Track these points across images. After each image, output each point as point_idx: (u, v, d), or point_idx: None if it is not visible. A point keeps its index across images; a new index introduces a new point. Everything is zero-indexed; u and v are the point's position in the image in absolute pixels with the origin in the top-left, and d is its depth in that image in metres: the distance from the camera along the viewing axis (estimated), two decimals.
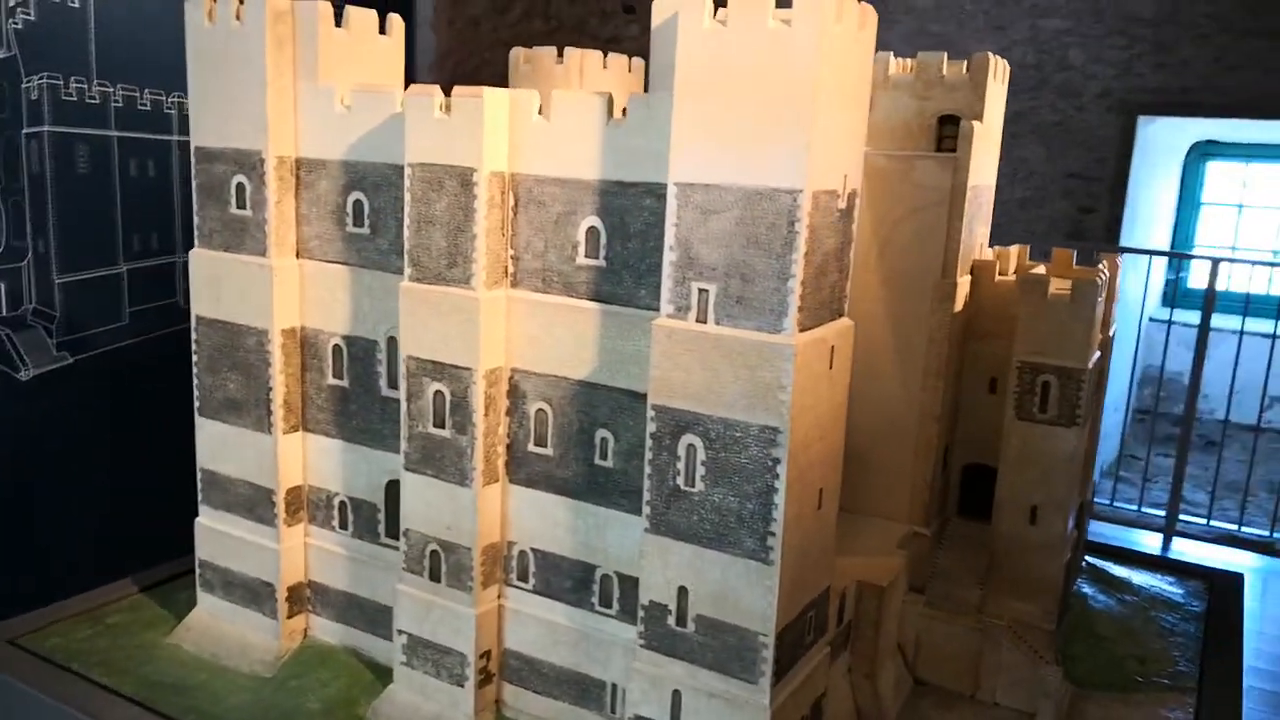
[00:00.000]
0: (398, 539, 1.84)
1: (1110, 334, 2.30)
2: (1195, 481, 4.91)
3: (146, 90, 2.98)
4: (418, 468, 1.76)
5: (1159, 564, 2.67)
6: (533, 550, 1.76)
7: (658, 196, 1.56)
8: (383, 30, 1.90)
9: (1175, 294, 5.68)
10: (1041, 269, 2.14)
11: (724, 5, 1.43)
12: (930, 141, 2.10)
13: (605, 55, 2.39)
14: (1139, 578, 2.53)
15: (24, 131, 2.70)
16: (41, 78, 2.73)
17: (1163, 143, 5.76)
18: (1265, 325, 4.71)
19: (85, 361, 2.97)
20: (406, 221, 1.70)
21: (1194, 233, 6.20)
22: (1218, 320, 4.35)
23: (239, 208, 1.87)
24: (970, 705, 2.00)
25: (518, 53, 2.37)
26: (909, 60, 2.11)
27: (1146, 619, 2.31)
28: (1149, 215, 5.94)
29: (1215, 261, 4.42)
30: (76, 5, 2.77)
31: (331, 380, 1.90)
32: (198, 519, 2.05)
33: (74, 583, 2.21)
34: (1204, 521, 4.58)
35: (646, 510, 1.56)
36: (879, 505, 2.16)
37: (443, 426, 1.72)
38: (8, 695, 1.89)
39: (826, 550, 1.66)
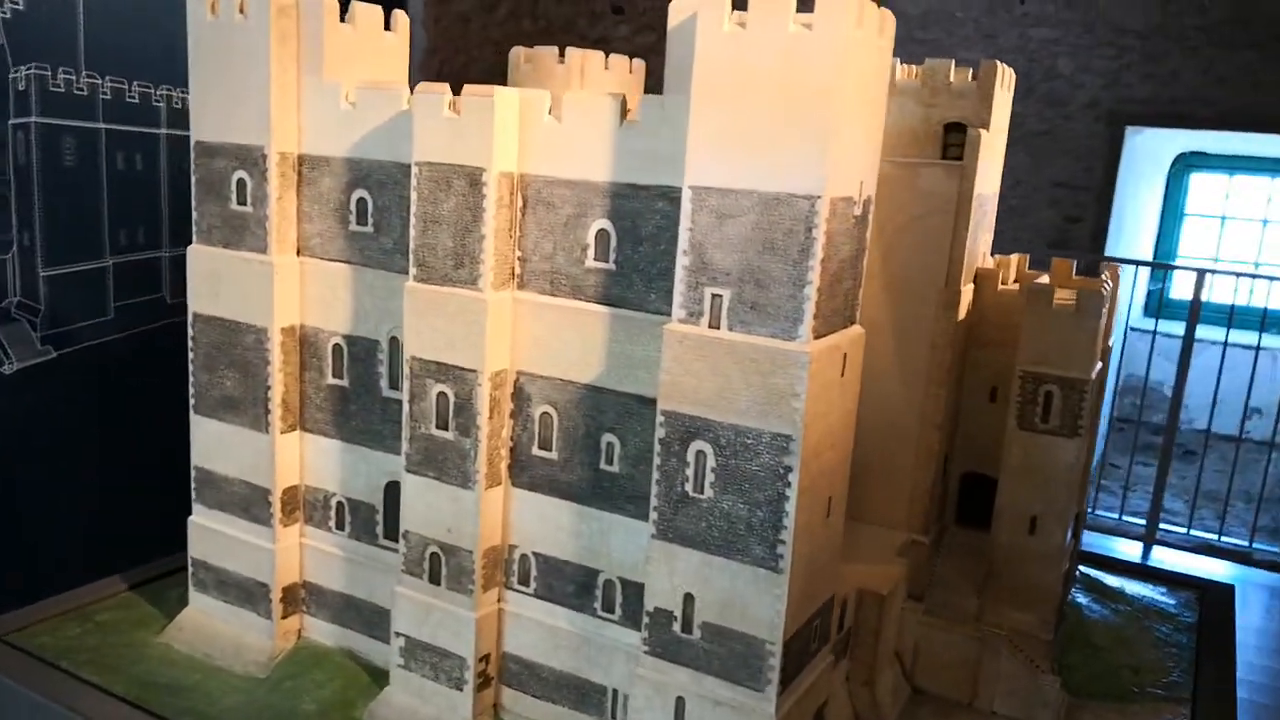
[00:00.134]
0: (396, 541, 1.81)
1: (1109, 344, 2.31)
2: (1173, 491, 4.95)
3: (135, 83, 2.94)
4: (419, 469, 1.73)
5: (1150, 574, 2.68)
6: (534, 554, 1.74)
7: (671, 200, 1.54)
8: (387, 26, 1.87)
9: (1160, 305, 5.72)
10: (1045, 278, 2.14)
11: (743, 8, 1.42)
12: (936, 149, 2.09)
13: (607, 56, 2.37)
14: (1131, 587, 2.53)
15: (10, 122, 2.66)
16: (29, 68, 2.69)
17: (1148, 153, 5.80)
18: (1242, 336, 4.74)
19: (70, 356, 2.92)
20: (412, 221, 1.67)
21: (1177, 243, 6.24)
22: (1199, 331, 4.38)
23: (239, 204, 1.84)
24: (968, 714, 2.00)
25: (518, 52, 2.34)
26: (915, 67, 2.10)
27: (1140, 629, 2.32)
28: (1134, 225, 5.98)
29: (1201, 273, 4.45)
30: None
31: (331, 380, 1.88)
32: (191, 517, 2.02)
33: (62, 579, 2.18)
34: (1184, 531, 4.62)
35: (654, 516, 1.55)
36: (877, 512, 2.15)
37: (446, 428, 1.70)
38: None
39: (833, 559, 1.66)
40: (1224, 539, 4.54)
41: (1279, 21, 4.78)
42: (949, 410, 2.15)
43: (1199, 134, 5.66)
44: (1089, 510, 4.63)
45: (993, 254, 2.34)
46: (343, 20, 1.80)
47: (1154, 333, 4.79)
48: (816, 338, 1.44)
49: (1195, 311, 4.37)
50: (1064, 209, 5.64)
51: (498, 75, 1.59)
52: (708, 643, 1.54)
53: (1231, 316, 4.72)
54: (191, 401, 1.97)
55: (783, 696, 1.52)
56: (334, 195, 1.81)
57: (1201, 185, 6.18)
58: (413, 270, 1.69)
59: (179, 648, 1.99)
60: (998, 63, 2.08)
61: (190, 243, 1.93)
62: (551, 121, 1.62)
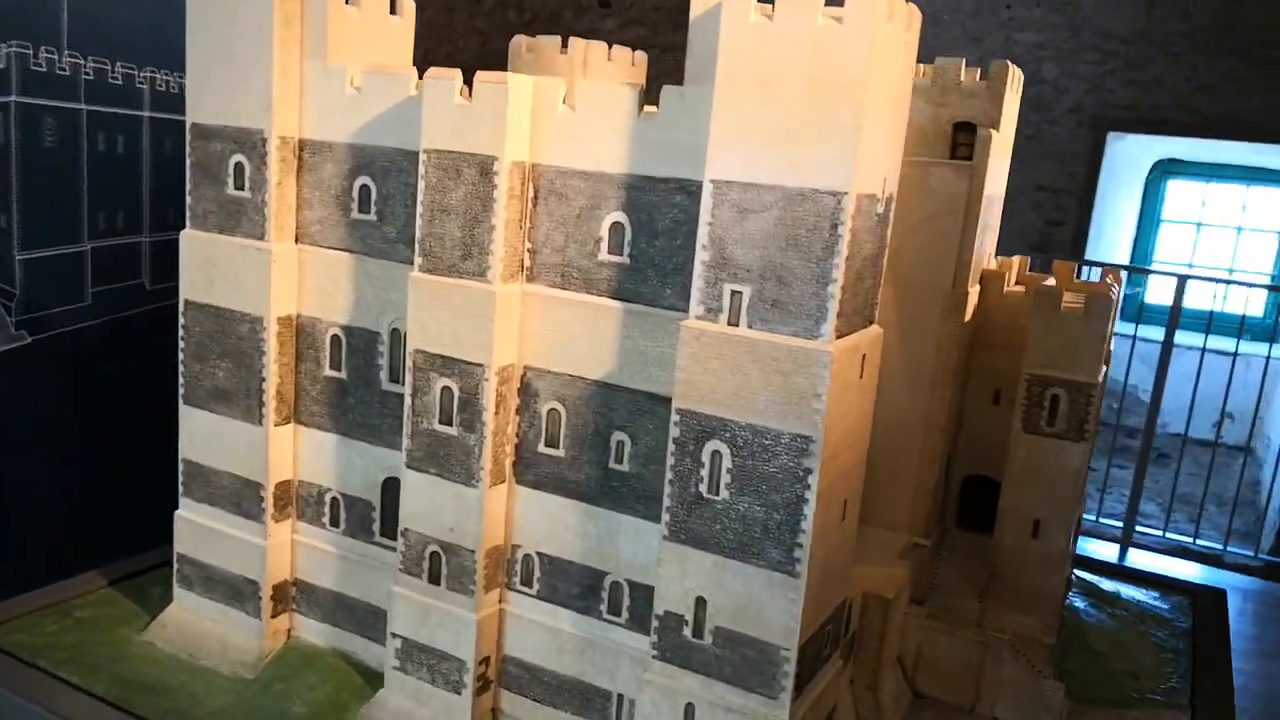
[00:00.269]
0: (394, 539, 1.77)
1: (1111, 348, 2.29)
2: (1147, 494, 4.98)
3: (119, 63, 2.85)
4: (421, 466, 1.68)
5: (1141, 578, 2.67)
6: (538, 554, 1.69)
7: (689, 193, 1.50)
8: (393, 10, 1.82)
9: (1140, 310, 5.75)
10: (1051, 281, 2.12)
11: (770, 0, 1.38)
12: (945, 148, 2.07)
13: (610, 48, 2.33)
14: (1124, 591, 2.53)
15: None
16: (10, 46, 2.60)
17: (1127, 159, 5.84)
18: (1215, 342, 4.77)
19: (45, 341, 2.83)
20: (419, 210, 1.62)
21: (1153, 249, 6.29)
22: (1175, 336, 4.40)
23: (237, 188, 1.78)
24: (969, 719, 1.98)
25: (519, 41, 2.29)
26: (925, 65, 2.08)
27: (1137, 634, 2.31)
28: (1112, 230, 6.02)
29: (1182, 279, 4.47)
30: None
31: (328, 372, 1.82)
32: (177, 511, 1.96)
33: (39, 574, 2.10)
34: (1159, 534, 4.64)
35: (666, 517, 1.51)
36: (879, 515, 2.12)
37: (450, 424, 1.65)
38: None
39: (846, 563, 1.63)
40: (1198, 542, 4.57)
41: (1262, 29, 4.81)
42: (953, 412, 2.13)
43: (1176, 141, 5.70)
44: None
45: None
46: (348, 2, 1.74)
47: (1134, 337, 4.81)
48: (838, 337, 1.41)
49: (1175, 317, 4.39)
50: (1046, 212, 5.66)
51: (483, 66, 1.55)
52: (719, 648, 1.50)
53: (1210, 322, 4.75)
54: (181, 392, 1.91)
55: (796, 703, 1.49)
56: (335, 182, 1.75)
57: (1178, 192, 6.22)
58: (418, 260, 1.64)
59: (162, 646, 1.93)
60: (1008, 63, 2.06)
61: (179, 228, 1.87)
62: (566, 111, 1.57)
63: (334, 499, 1.87)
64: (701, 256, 1.45)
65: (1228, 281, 5.50)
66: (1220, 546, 4.52)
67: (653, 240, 1.55)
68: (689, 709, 1.53)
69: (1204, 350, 4.48)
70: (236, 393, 1.84)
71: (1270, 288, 5.56)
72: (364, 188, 1.73)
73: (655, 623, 1.54)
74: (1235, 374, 4.56)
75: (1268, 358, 4.88)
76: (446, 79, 1.58)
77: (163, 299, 3.01)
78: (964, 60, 2.05)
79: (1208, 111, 5.11)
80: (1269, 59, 4.63)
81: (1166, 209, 6.26)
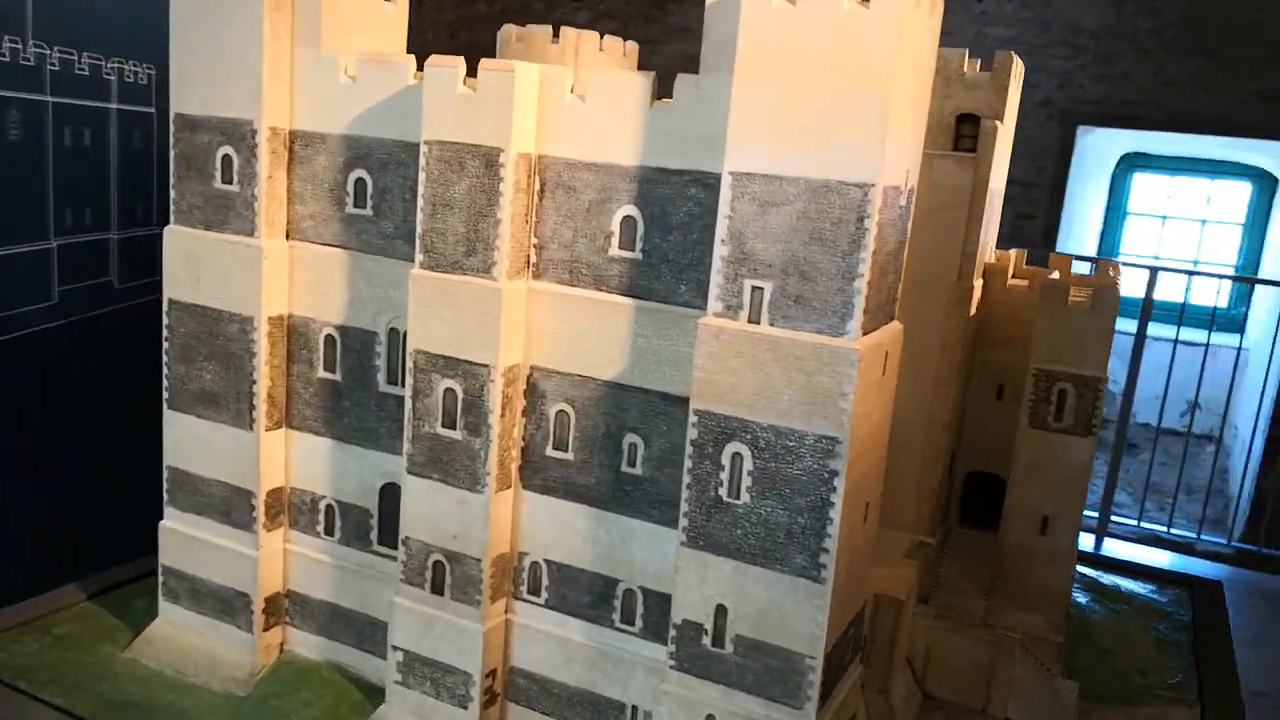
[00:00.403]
0: (393, 547, 1.70)
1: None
2: (1119, 483, 5.00)
3: (85, 54, 2.74)
4: (423, 471, 1.62)
5: (1137, 571, 2.66)
6: (546, 562, 1.63)
7: (705, 186, 1.45)
8: None
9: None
10: (1057, 274, 2.09)
11: None
12: (948, 140, 2.03)
13: (602, 37, 2.27)
14: (1124, 585, 2.51)
15: None
16: None
17: (1095, 153, 5.86)
18: (1173, 332, 4.79)
19: (11, 343, 2.72)
20: (420, 204, 1.56)
21: (1119, 241, 6.32)
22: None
23: (224, 182, 1.70)
24: None
25: (509, 30, 2.23)
26: None
27: (1141, 629, 2.29)
28: (1081, 223, 6.04)
29: (1154, 271, 4.49)
30: None
31: (322, 374, 1.75)
32: (162, 522, 1.87)
33: (13, 589, 2.01)
34: (1134, 523, 4.66)
35: (684, 523, 1.46)
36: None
37: (453, 427, 1.58)
38: None
39: (867, 565, 1.58)
40: (1172, 531, 4.59)
41: (1229, 26, 4.83)
42: (956, 409, 2.09)
43: (1143, 135, 5.73)
44: None
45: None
46: None
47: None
48: (864, 334, 1.36)
49: (1147, 309, 4.40)
50: (1017, 205, 5.66)
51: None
52: (741, 657, 1.45)
53: (1182, 314, 4.78)
54: (165, 396, 1.82)
55: (821, 713, 1.44)
56: (329, 175, 1.68)
57: (1143, 185, 6.26)
58: (419, 257, 1.57)
59: (148, 663, 1.85)
60: (1012, 54, 2.03)
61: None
62: (574, 100, 1.51)
63: (329, 506, 1.79)
64: (720, 251, 1.40)
65: (1205, 274, 5.54)
66: (1194, 535, 4.55)
67: (666, 235, 1.49)
68: None
69: (1176, 342, 4.50)
70: (225, 396, 1.76)
71: (1245, 280, 5.60)
72: (359, 181, 1.66)
73: (673, 631, 1.49)
74: (1195, 364, 4.59)
75: (1239, 348, 4.92)
76: (449, 67, 1.51)
77: (133, 297, 2.90)
78: (966, 51, 2.01)
79: (1175, 106, 5.13)
80: (1234, 55, 4.66)
81: (1132, 202, 6.31)
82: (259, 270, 1.68)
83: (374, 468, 1.74)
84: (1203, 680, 2.13)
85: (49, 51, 2.64)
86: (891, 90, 1.29)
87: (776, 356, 1.37)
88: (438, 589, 1.63)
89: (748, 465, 1.41)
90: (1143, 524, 4.67)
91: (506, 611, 1.66)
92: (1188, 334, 4.76)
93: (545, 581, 1.64)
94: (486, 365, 1.54)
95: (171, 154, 1.73)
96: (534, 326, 1.58)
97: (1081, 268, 4.93)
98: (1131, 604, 2.40)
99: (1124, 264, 5.85)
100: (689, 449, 1.44)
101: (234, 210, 1.70)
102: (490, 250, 1.52)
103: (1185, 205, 6.19)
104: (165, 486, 1.85)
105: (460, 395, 1.57)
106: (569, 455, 1.59)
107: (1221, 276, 5.54)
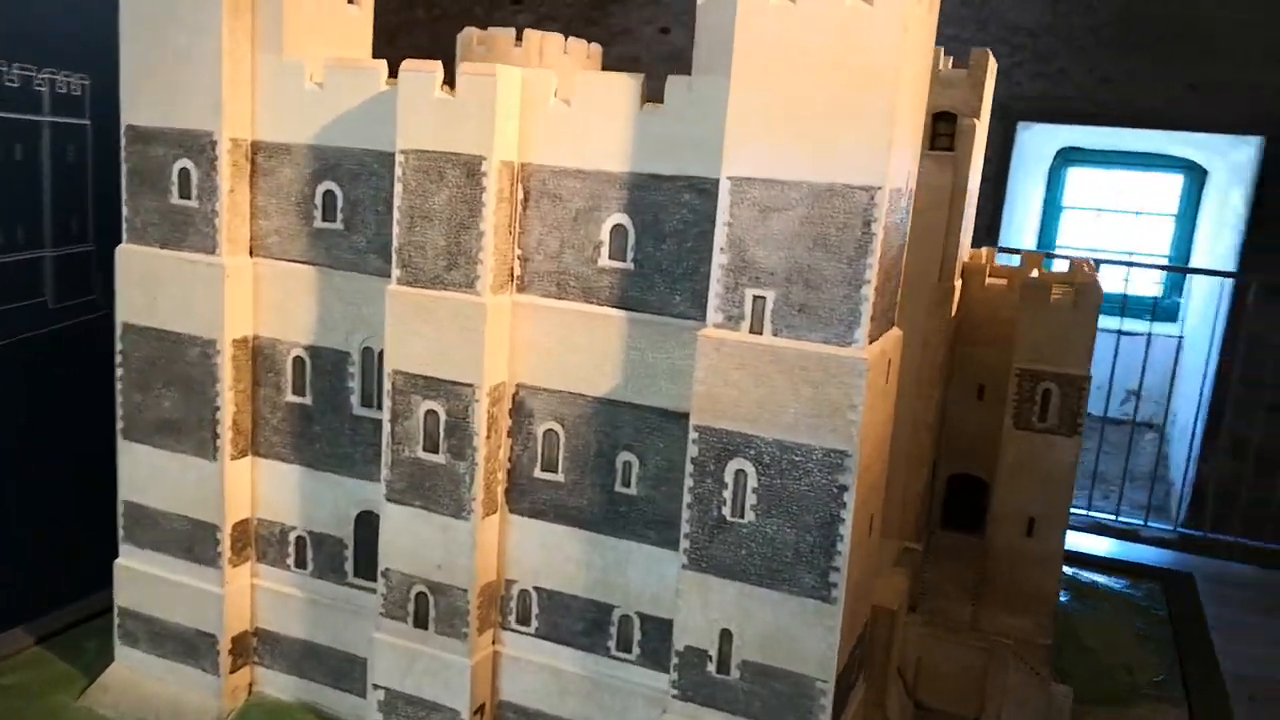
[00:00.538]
0: (371, 579, 1.61)
1: None
2: None
3: (15, 65, 2.59)
4: (403, 498, 1.53)
5: (1109, 566, 2.66)
6: (536, 589, 1.56)
7: (700, 191, 1.39)
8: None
9: None
10: (1036, 273, 2.07)
11: None
12: (925, 139, 1.99)
13: (566, 39, 2.20)
14: (1100, 580, 2.51)
15: None
16: None
17: (1033, 148, 5.93)
18: (1113, 323, 4.86)
19: None
20: (396, 217, 1.47)
21: (1056, 235, 6.41)
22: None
23: (182, 197, 1.59)
24: None
25: (470, 33, 2.15)
26: None
27: (1122, 625, 2.29)
28: (1020, 217, 6.11)
29: (1097, 264, 4.54)
30: None
31: (291, 397, 1.65)
32: (118, 560, 1.76)
33: None
34: (1083, 511, 4.70)
35: (685, 544, 1.39)
36: None
37: (436, 451, 1.50)
38: None
39: (871, 579, 1.53)
40: (1120, 519, 4.65)
41: (1161, 22, 4.90)
42: (939, 411, 2.06)
43: (1078, 129, 5.82)
44: None
45: None
46: None
47: None
48: (870, 342, 1.31)
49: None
50: None
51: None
52: (748, 683, 1.39)
53: (1125, 305, 4.84)
54: (120, 425, 1.71)
55: None
56: (295, 188, 1.58)
57: (1078, 179, 6.36)
58: (396, 272, 1.49)
59: (105, 712, 1.73)
60: (988, 51, 2.00)
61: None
62: (559, 105, 1.44)
63: (299, 538, 1.69)
64: (719, 260, 1.34)
65: (1147, 266, 5.63)
66: (1140, 522, 4.60)
67: (659, 243, 1.43)
68: None
69: (1120, 333, 4.56)
70: (186, 424, 1.65)
71: (1184, 270, 5.69)
72: (328, 194, 1.57)
73: (675, 659, 1.43)
74: (1131, 353, 4.64)
75: (1180, 337, 4.99)
76: (426, 72, 1.43)
77: (69, 317, 2.75)
78: (942, 49, 1.98)
79: (1110, 102, 5.20)
80: (1166, 51, 4.73)
81: (1068, 195, 6.39)
82: (221, 290, 1.58)
83: (349, 495, 1.64)
84: (1187, 676, 2.12)
85: None
86: (898, 89, 1.25)
87: (781, 368, 1.31)
88: (421, 622, 1.55)
89: (752, 482, 1.35)
90: (1091, 513, 4.72)
91: (494, 643, 1.59)
92: (1125, 324, 4.83)
93: (535, 610, 1.56)
94: (471, 385, 1.47)
95: (123, 168, 1.62)
96: (519, 342, 1.50)
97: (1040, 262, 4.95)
98: (1109, 600, 2.40)
99: (1063, 257, 5.91)
100: (689, 467, 1.37)
101: (193, 227, 1.59)
102: (473, 263, 1.45)
103: (1119, 198, 6.28)
104: (121, 522, 1.74)
105: (443, 417, 1.49)
106: (559, 476, 1.52)
107: (1163, 268, 5.64)
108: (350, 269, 1.58)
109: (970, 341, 2.12)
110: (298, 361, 1.63)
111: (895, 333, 1.46)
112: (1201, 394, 4.69)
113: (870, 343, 1.31)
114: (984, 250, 2.30)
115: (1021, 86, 5.57)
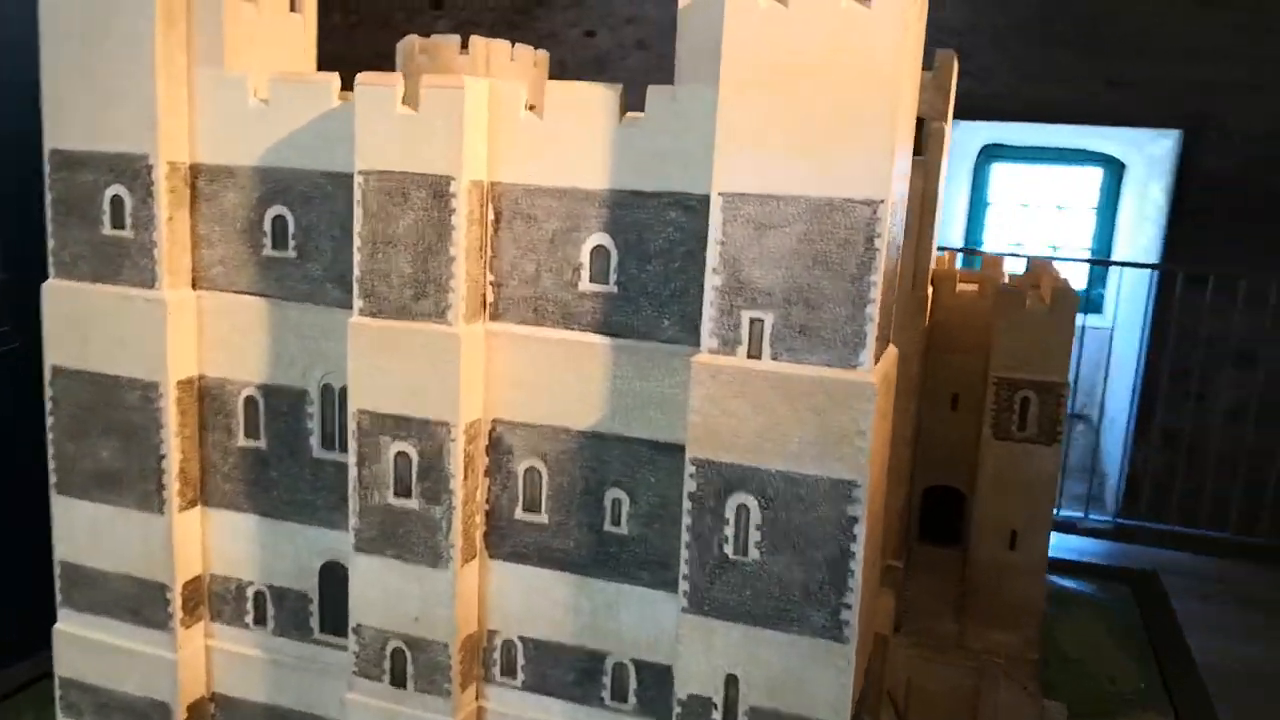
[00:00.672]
0: (340, 635, 1.50)
1: None
2: None
3: None
4: (373, 547, 1.42)
5: (1072, 567, 2.65)
6: (521, 639, 1.46)
7: (686, 208, 1.30)
8: (292, 7, 1.53)
9: None
10: (1007, 278, 2.03)
11: None
12: None
13: (513, 45, 2.10)
14: (1068, 584, 2.49)
15: None
16: None
17: (959, 145, 5.98)
18: None
19: None
20: (357, 243, 1.36)
21: (982, 231, 6.47)
22: None
23: (115, 227, 1.45)
24: None
25: (411, 42, 2.03)
26: None
27: (1098, 630, 2.26)
28: (948, 215, 6.16)
29: (1029, 260, 4.56)
30: None
31: (243, 441, 1.52)
32: (56, 626, 1.60)
33: None
34: None
35: (685, 586, 1.30)
36: None
37: (408, 495, 1.39)
38: None
39: (872, 608, 1.46)
40: (1061, 512, 4.69)
41: (1081, 20, 4.96)
42: (916, 422, 2.01)
43: (1000, 126, 5.88)
44: None
45: None
46: None
47: None
48: (875, 363, 1.24)
49: None
50: None
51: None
52: None
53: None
54: (52, 480, 1.55)
55: None
56: (241, 214, 1.46)
57: (1001, 175, 6.43)
58: (358, 303, 1.37)
59: None
60: (953, 52, 1.95)
61: (36, 276, 1.52)
62: (530, 118, 1.34)
63: (258, 593, 1.56)
64: (712, 281, 1.25)
65: (1082, 260, 5.69)
66: (1080, 514, 4.64)
67: (644, 264, 1.34)
68: None
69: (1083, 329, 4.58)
70: (128, 476, 1.51)
71: (1117, 264, 5.76)
72: (278, 219, 1.45)
73: (677, 708, 1.34)
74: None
75: (1110, 328, 5.06)
76: (385, 86, 1.32)
77: None
78: None
79: (1032, 97, 5.26)
80: (1085, 48, 4.79)
81: (991, 192, 6.46)
82: (162, 327, 1.45)
83: (311, 545, 1.52)
84: (1167, 680, 2.11)
85: None
86: (900, 96, 1.18)
87: (783, 395, 1.23)
88: (398, 680, 1.44)
89: (755, 518, 1.27)
90: None
91: (478, 698, 1.48)
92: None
93: (521, 660, 1.46)
94: (445, 423, 1.36)
95: (47, 197, 1.47)
96: (495, 374, 1.40)
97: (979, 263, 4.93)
98: (1080, 604, 2.38)
99: (1000, 254, 5.96)
100: (687, 503, 1.29)
101: (128, 259, 1.45)
102: (443, 291, 1.34)
103: (1041, 193, 6.36)
104: (58, 585, 1.59)
105: (415, 459, 1.38)
106: (542, 517, 1.42)
107: (1098, 261, 5.71)
108: (305, 300, 1.46)
109: (942, 349, 2.07)
110: (250, 402, 1.51)
111: (892, 350, 1.39)
112: (1135, 385, 4.75)
113: (875, 363, 1.24)
114: (946, 255, 2.25)
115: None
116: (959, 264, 2.46)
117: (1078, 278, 5.57)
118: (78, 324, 1.49)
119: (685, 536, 1.29)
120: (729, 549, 1.28)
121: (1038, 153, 6.40)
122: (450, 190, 1.31)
